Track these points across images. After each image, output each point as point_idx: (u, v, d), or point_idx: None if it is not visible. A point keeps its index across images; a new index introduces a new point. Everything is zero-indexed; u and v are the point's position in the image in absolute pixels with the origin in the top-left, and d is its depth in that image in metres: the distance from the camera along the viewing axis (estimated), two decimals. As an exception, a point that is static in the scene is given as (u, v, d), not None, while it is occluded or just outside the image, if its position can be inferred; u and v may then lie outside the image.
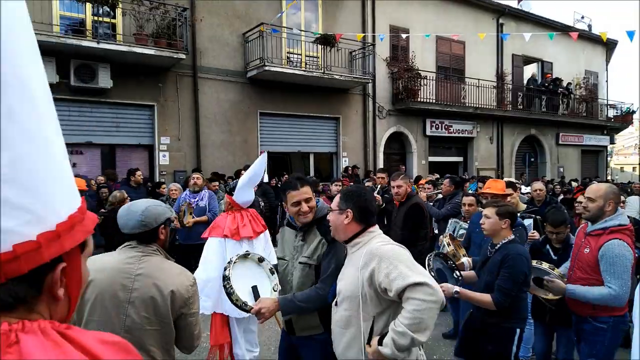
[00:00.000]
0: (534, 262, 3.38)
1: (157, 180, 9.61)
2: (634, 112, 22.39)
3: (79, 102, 9.37)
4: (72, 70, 8.84)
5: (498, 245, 3.04)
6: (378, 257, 1.94)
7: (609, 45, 21.17)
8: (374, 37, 13.16)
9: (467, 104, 15.51)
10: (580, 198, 5.30)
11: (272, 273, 2.73)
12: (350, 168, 12.49)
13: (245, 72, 11.39)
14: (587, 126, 20.09)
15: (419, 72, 14.05)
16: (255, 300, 2.51)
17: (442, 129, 15.49)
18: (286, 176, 10.28)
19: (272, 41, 10.90)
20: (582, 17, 20.99)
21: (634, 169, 40.84)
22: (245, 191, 4.50)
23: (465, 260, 3.81)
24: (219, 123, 11.11)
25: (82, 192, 5.28)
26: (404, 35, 12.57)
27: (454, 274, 3.29)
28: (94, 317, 1.91)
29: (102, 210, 6.58)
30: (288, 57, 12.03)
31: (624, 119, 21.92)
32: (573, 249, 3.29)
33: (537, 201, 6.10)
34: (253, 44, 11.13)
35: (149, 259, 2.04)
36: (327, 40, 11.71)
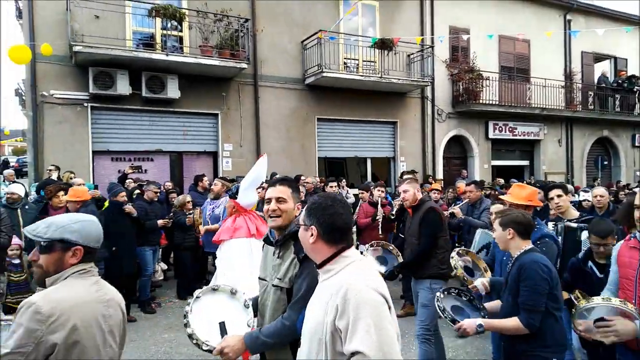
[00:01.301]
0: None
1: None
2: None
3: (150, 112, 9.92)
4: (144, 82, 9.37)
5: (513, 259, 2.73)
6: (345, 299, 1.55)
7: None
8: (432, 39, 12.91)
9: (533, 105, 14.79)
10: None
11: (247, 307, 2.41)
12: (408, 173, 12.26)
13: (303, 79, 11.56)
14: (668, 126, 18.51)
15: (481, 72, 13.59)
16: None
17: (506, 132, 14.87)
18: (343, 181, 10.28)
19: (329, 47, 10.99)
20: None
21: None
22: (248, 193, 4.57)
23: (479, 282, 3.28)
24: (278, 129, 11.34)
25: (85, 202, 5.39)
26: (464, 37, 12.24)
27: (475, 305, 2.91)
28: None
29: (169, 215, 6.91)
30: (345, 63, 12.07)
31: None
32: (623, 270, 2.66)
33: (597, 209, 5.49)
34: (311, 51, 11.28)
35: (100, 279, 1.85)
36: (384, 44, 11.64)
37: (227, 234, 4.58)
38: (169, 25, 9.40)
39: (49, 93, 8.94)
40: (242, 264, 4.27)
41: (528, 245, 2.71)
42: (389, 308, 1.63)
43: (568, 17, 16.23)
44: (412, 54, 12.59)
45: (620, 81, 17.01)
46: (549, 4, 15.84)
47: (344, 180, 10.42)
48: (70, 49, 8.63)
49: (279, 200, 2.23)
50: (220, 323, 2.25)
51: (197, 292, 2.40)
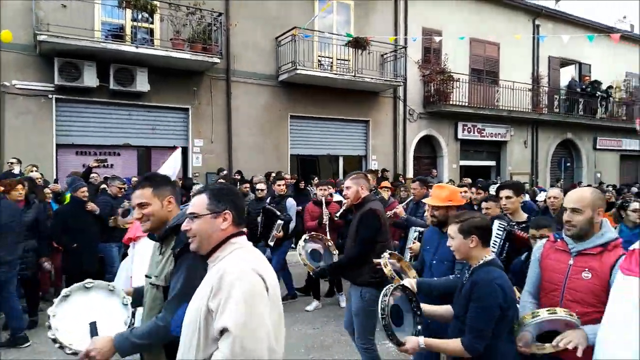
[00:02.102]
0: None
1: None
2: (678, 115, 21.39)
3: (118, 105, 9.70)
4: (112, 75, 9.15)
5: (471, 270, 2.45)
6: (221, 279, 1.54)
7: (652, 46, 20.31)
8: (405, 39, 13.06)
9: (501, 107, 15.19)
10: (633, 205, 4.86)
11: (126, 305, 2.28)
12: (379, 172, 12.42)
13: (277, 76, 11.51)
14: (626, 130, 19.28)
15: (452, 74, 13.86)
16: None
17: (474, 133, 15.22)
18: (316, 179, 10.33)
19: (304, 45, 10.99)
20: (625, 17, 20.22)
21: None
22: None
23: (407, 283, 2.96)
24: (251, 126, 11.28)
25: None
26: (437, 38, 12.42)
27: (415, 318, 2.55)
28: None
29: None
30: (319, 61, 12.09)
31: (668, 122, 20.98)
32: (548, 274, 2.52)
33: (551, 210, 5.27)
34: (285, 47, 11.24)
35: None
36: (358, 44, 11.71)
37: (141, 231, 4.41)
38: (139, 16, 9.19)
39: (11, 83, 8.62)
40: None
41: (488, 255, 2.43)
42: (267, 290, 1.61)
43: (537, 22, 16.70)
44: (386, 54, 12.71)
45: (584, 86, 17.66)
46: (519, 9, 16.26)
47: (316, 178, 10.46)
48: (34, 38, 8.35)
49: (141, 205, 2.15)
50: (90, 323, 2.10)
51: (65, 291, 2.23)
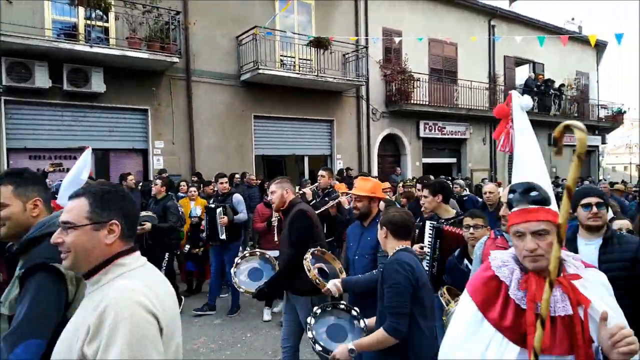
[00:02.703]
0: None
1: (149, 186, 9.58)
2: (624, 112, 22.61)
3: (72, 106, 9.33)
4: (65, 75, 8.80)
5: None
6: (101, 318, 1.26)
7: (599, 47, 21.39)
8: (366, 40, 13.21)
9: (460, 106, 15.60)
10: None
11: None
12: (344, 170, 12.51)
13: (239, 76, 11.39)
14: (578, 127, 20.22)
15: (412, 74, 14.12)
16: None
17: (435, 131, 15.56)
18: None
19: (265, 44, 10.92)
20: (573, 19, 21.20)
21: (625, 168, 41.24)
22: (68, 193, 3.94)
23: (331, 285, 2.98)
24: (213, 126, 11.10)
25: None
26: (396, 39, 12.62)
27: (354, 316, 2.66)
28: None
29: None
30: (281, 60, 12.05)
31: (615, 119, 22.13)
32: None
33: (488, 206, 5.13)
34: (247, 47, 11.14)
35: None
36: (320, 43, 11.75)
37: None
38: (93, 15, 8.88)
39: (-46, 84, 8.15)
40: None
41: (402, 245, 2.55)
42: (161, 331, 1.34)
43: (492, 22, 17.27)
44: (347, 53, 12.81)
45: (538, 84, 18.38)
46: (475, 10, 16.76)
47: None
48: (-22, 36, 7.91)
49: None
50: None
51: None
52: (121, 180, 8.15)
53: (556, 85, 18.87)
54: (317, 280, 3.09)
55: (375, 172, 13.92)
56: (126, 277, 1.38)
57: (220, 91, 11.23)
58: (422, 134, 15.19)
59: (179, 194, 7.89)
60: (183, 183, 8.09)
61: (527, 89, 17.96)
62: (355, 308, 2.78)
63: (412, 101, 14.16)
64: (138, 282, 1.36)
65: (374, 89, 14.06)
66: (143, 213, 5.98)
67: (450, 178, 12.07)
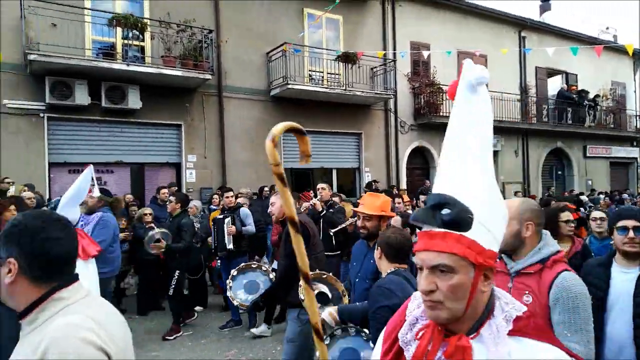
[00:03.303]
0: None
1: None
2: (664, 122, 21.77)
3: (110, 122, 9.69)
4: (103, 92, 9.16)
5: None
6: (47, 356, 1.13)
7: (637, 56, 20.76)
8: (394, 53, 13.25)
9: (490, 118, 15.34)
10: (595, 214, 4.59)
11: None
12: (372, 183, 12.46)
13: (268, 91, 11.60)
14: (615, 138, 19.61)
15: (441, 86, 14.04)
16: None
17: (465, 143, 15.33)
18: (311, 192, 10.32)
19: (294, 60, 11.10)
20: (607, 28, 20.68)
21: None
22: (69, 209, 3.94)
23: (326, 314, 2.69)
24: (244, 141, 11.30)
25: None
26: (425, 54, 12.60)
27: (362, 336, 2.54)
28: None
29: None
30: (310, 75, 12.20)
31: (654, 129, 21.34)
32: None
33: None
34: (276, 63, 11.35)
35: None
36: (348, 58, 11.86)
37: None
38: (130, 34, 9.25)
39: (2, 103, 8.60)
40: None
41: (396, 267, 2.45)
42: None
43: (523, 34, 17.05)
44: (375, 67, 12.87)
45: (572, 95, 17.95)
46: (505, 22, 16.59)
47: (311, 191, 10.46)
48: (24, 57, 8.35)
49: None
50: None
51: None
52: (157, 193, 8.35)
53: (591, 95, 18.38)
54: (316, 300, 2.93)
55: (403, 185, 13.82)
56: (67, 312, 1.23)
57: (251, 106, 11.45)
58: (451, 147, 14.99)
59: (211, 206, 8.03)
60: (215, 196, 8.23)
61: (560, 99, 17.59)
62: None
63: (440, 113, 14.05)
64: (81, 316, 1.22)
65: (402, 102, 14.03)
66: (157, 230, 5.95)
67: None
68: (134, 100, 9.47)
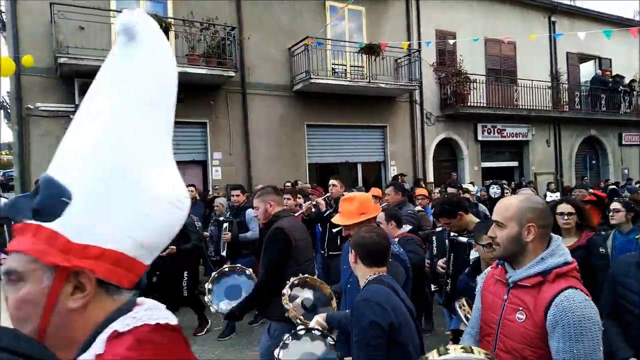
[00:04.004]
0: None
1: (211, 196, 9.86)
2: None
3: (137, 122, 9.83)
4: (131, 93, 9.29)
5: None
6: None
7: (675, 37, 19.74)
8: (419, 43, 12.99)
9: (520, 107, 14.92)
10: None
11: None
12: (398, 177, 12.30)
13: (291, 86, 11.56)
14: (653, 124, 18.76)
15: (468, 75, 13.70)
16: None
17: (494, 134, 14.97)
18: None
19: (317, 54, 11.01)
20: (643, 9, 19.70)
21: None
22: None
23: (314, 322, 2.48)
24: (268, 136, 11.32)
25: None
26: (451, 42, 12.31)
27: (329, 343, 2.34)
28: None
29: None
30: (333, 69, 12.10)
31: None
32: (486, 313, 1.91)
33: None
34: (299, 57, 11.29)
35: None
36: (372, 50, 11.68)
37: None
38: (155, 35, 9.33)
39: (35, 106, 8.85)
40: None
41: (375, 273, 2.16)
42: None
43: (553, 18, 16.44)
44: (400, 58, 12.65)
45: (606, 81, 17.24)
46: (534, 7, 16.03)
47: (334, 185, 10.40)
48: (55, 60, 8.56)
49: None
50: None
51: None
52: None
53: (626, 81, 17.60)
54: (298, 321, 2.64)
55: (430, 177, 13.59)
56: None
57: (274, 102, 11.44)
58: (480, 137, 14.67)
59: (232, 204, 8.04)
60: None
61: (594, 86, 16.92)
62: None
63: (468, 103, 13.72)
64: None
65: (428, 93, 13.77)
66: None
67: (517, 183, 11.56)
68: (160, 100, 9.56)
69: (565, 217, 3.43)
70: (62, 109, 9.05)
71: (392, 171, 13.06)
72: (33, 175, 8.68)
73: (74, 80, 8.86)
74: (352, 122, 12.55)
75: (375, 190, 6.91)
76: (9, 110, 10.49)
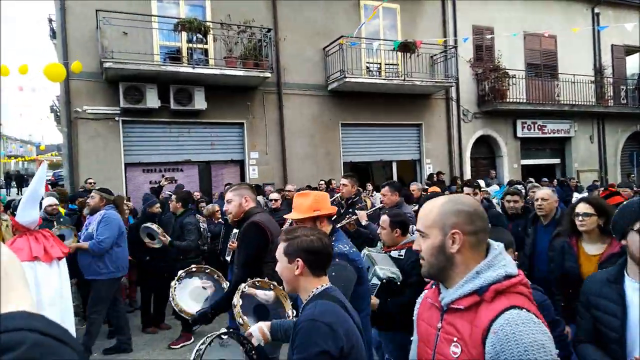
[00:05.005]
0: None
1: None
2: None
3: (178, 123, 10.17)
4: (172, 95, 9.62)
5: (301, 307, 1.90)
6: None
7: None
8: (455, 39, 12.79)
9: (562, 102, 14.44)
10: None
11: None
12: (435, 175, 12.17)
13: (326, 85, 11.62)
14: None
15: (507, 71, 13.37)
16: None
17: (535, 130, 14.55)
18: (369, 186, 10.26)
19: (351, 53, 11.03)
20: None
21: None
22: (28, 210, 3.75)
23: (256, 329, 2.15)
24: (303, 136, 11.43)
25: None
26: (488, 37, 12.05)
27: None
28: None
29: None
30: (368, 67, 12.08)
31: None
32: (420, 345, 1.56)
33: (542, 218, 4.12)
34: (333, 57, 11.34)
35: None
36: (407, 47, 11.59)
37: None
38: (194, 38, 9.63)
39: (82, 109, 9.28)
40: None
41: (322, 283, 1.85)
42: None
43: (596, 10, 15.79)
44: (435, 55, 12.49)
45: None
46: (576, -2, 15.47)
47: (369, 185, 10.42)
48: (101, 65, 8.95)
49: None
50: None
51: None
52: (224, 189, 8.63)
53: (677, 72, 16.71)
54: (241, 320, 2.34)
55: (468, 175, 13.36)
56: None
57: (309, 102, 11.54)
58: (519, 134, 14.29)
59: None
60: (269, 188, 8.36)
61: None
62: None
63: (507, 100, 13.39)
64: None
65: (465, 90, 13.52)
66: (149, 224, 5.71)
67: (559, 180, 11.21)
68: (199, 101, 9.86)
69: (580, 218, 3.11)
70: (108, 111, 9.45)
71: (428, 169, 12.93)
72: (82, 174, 9.11)
73: (118, 84, 9.23)
74: (387, 121, 12.50)
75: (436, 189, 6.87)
76: (58, 114, 11.05)
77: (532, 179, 11.07)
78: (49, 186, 12.22)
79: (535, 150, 15.19)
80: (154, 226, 5.70)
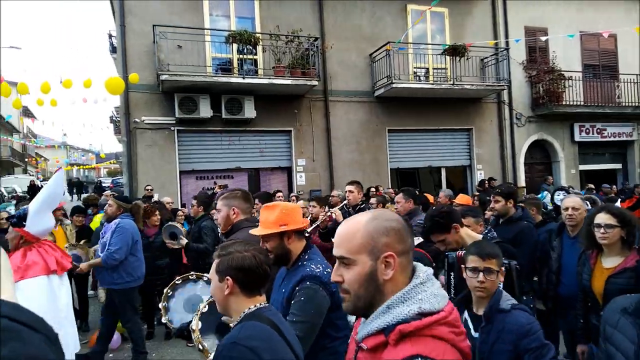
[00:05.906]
0: None
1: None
2: None
3: (229, 132, 10.49)
4: (223, 105, 9.95)
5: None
6: None
7: None
8: (507, 41, 12.41)
9: (623, 104, 13.64)
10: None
11: None
12: (486, 181, 11.81)
13: (373, 92, 11.60)
14: None
15: (562, 73, 12.81)
16: None
17: (593, 134, 13.82)
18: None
19: (398, 58, 10.96)
20: None
21: None
22: (41, 218, 3.52)
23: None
24: (349, 143, 11.46)
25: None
26: (543, 38, 11.61)
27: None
28: None
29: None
30: (415, 72, 11.95)
31: None
32: None
33: (570, 229, 3.72)
34: (380, 63, 11.32)
35: None
36: (456, 51, 11.37)
37: (17, 275, 3.33)
38: (244, 49, 9.92)
39: (141, 119, 9.78)
40: (44, 310, 2.96)
41: (255, 303, 1.68)
42: None
43: (661, 5, 14.84)
44: (486, 57, 12.18)
45: None
46: (638, -7, 14.61)
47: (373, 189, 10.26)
48: (157, 78, 9.41)
49: None
50: None
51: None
52: (272, 196, 8.80)
53: None
54: (201, 345, 2.08)
55: (522, 182, 12.87)
56: None
57: (355, 108, 11.56)
58: (577, 138, 13.62)
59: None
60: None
61: None
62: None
63: (563, 102, 12.83)
64: None
65: (518, 93, 13.08)
66: (174, 223, 5.75)
67: (622, 188, 10.58)
68: (249, 110, 10.13)
69: (602, 231, 2.78)
70: (164, 121, 9.91)
71: (479, 175, 12.57)
72: (140, 182, 9.59)
73: (173, 95, 9.66)
74: (435, 126, 12.30)
75: (464, 198, 6.36)
76: (118, 124, 11.69)
77: (591, 185, 10.54)
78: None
79: (594, 154, 14.41)
80: (179, 225, 5.76)
